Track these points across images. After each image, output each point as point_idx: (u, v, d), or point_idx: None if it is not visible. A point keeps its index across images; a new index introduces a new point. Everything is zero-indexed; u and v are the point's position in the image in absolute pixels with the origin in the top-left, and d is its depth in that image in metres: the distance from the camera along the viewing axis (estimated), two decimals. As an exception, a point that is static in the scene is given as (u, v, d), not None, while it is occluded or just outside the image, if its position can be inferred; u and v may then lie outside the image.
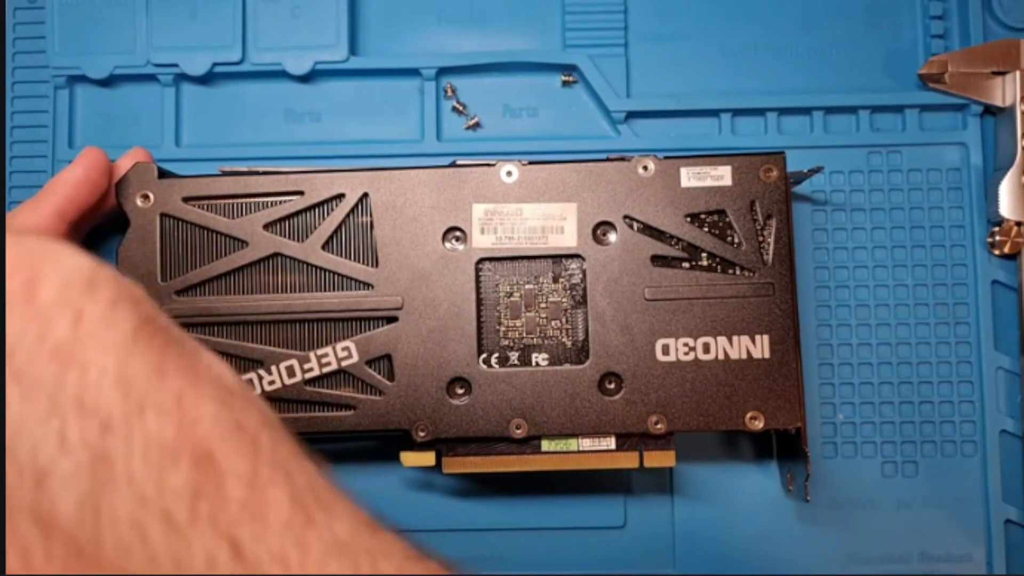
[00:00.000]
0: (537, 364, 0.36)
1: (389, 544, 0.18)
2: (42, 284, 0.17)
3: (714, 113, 0.42)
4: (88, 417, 0.16)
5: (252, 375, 0.35)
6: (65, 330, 0.17)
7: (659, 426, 0.35)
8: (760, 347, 0.35)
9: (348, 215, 0.36)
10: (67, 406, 0.16)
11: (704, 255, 0.36)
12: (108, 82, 0.42)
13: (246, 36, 0.41)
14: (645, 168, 0.36)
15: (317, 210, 0.36)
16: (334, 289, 0.36)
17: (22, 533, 0.15)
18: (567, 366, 0.35)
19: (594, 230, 0.36)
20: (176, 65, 0.41)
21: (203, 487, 0.17)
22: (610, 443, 0.35)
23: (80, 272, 0.17)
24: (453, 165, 0.36)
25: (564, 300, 0.36)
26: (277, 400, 0.35)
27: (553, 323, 0.36)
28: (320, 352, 0.35)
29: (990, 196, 0.40)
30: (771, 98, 0.41)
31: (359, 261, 0.36)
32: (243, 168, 0.38)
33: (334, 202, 0.36)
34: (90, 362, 0.17)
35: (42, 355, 0.16)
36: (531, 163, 0.36)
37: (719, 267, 0.36)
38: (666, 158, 0.36)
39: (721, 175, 0.36)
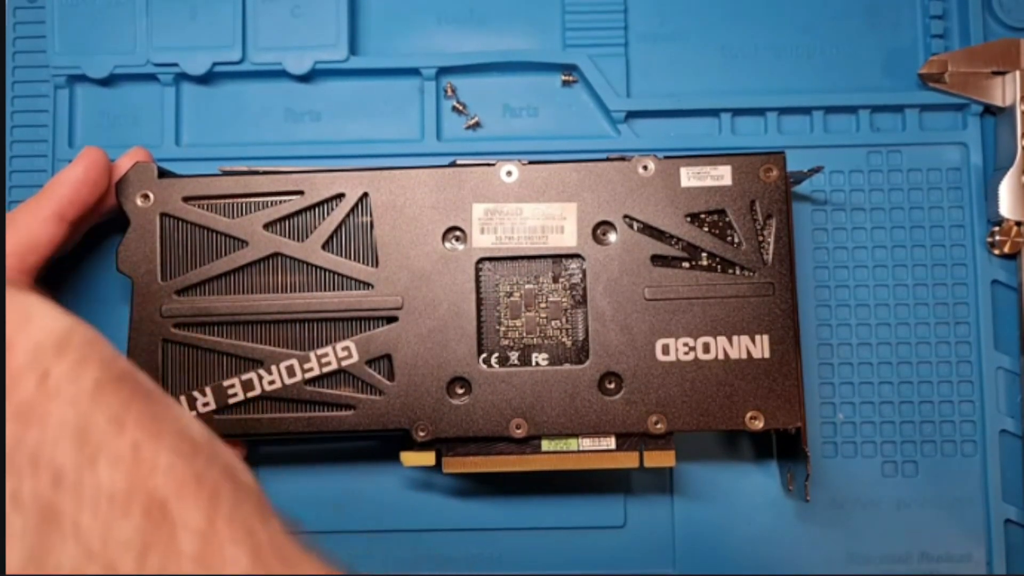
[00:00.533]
0: (537, 364, 0.36)
1: None
2: (14, 349, 0.17)
3: (714, 113, 0.42)
4: (42, 472, 0.16)
5: (252, 375, 0.35)
6: (30, 390, 0.17)
7: (659, 426, 0.35)
8: (760, 347, 0.35)
9: (348, 215, 0.36)
10: (23, 464, 0.16)
11: (704, 255, 0.36)
12: (108, 82, 0.42)
13: (246, 36, 0.41)
14: (645, 168, 0.36)
15: (317, 210, 0.36)
16: (334, 289, 0.36)
17: None
18: (567, 366, 0.35)
19: (594, 230, 0.36)
20: (176, 65, 0.41)
21: (154, 539, 0.16)
22: (610, 443, 0.35)
23: (50, 335, 0.18)
24: (453, 165, 0.36)
25: (564, 300, 0.36)
26: (277, 400, 0.35)
27: (553, 323, 0.36)
28: (320, 352, 0.35)
29: (990, 196, 0.40)
30: (771, 98, 0.41)
31: (359, 261, 0.36)
32: (243, 168, 0.38)
33: (334, 202, 0.36)
34: (50, 417, 0.17)
35: (8, 417, 0.16)
36: (531, 163, 0.36)
37: (719, 267, 0.36)
38: (666, 158, 0.36)
39: (721, 175, 0.36)
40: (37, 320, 0.18)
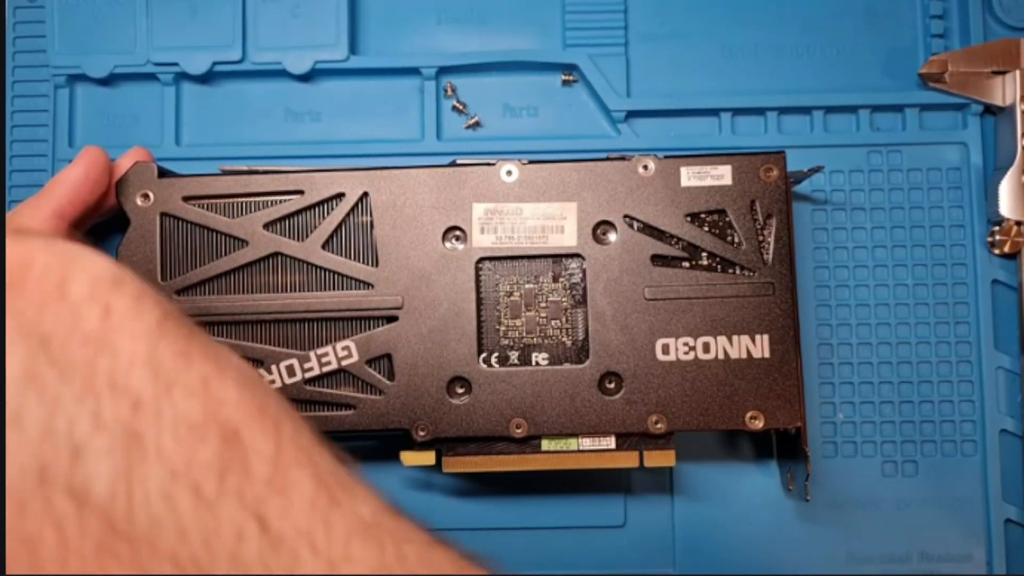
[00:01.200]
0: (537, 364, 0.36)
1: (410, 529, 0.19)
2: (72, 282, 0.18)
3: (714, 113, 0.42)
4: (120, 397, 0.17)
5: (252, 374, 0.35)
6: (95, 321, 0.17)
7: (659, 426, 0.35)
8: (760, 347, 0.35)
9: (348, 214, 0.36)
10: (101, 387, 0.17)
11: (704, 255, 0.36)
12: (108, 81, 0.42)
13: (246, 35, 0.41)
14: (645, 168, 0.36)
15: (317, 209, 0.36)
16: (334, 288, 0.36)
17: (57, 509, 0.16)
18: (567, 366, 0.35)
19: (594, 229, 0.36)
20: (176, 64, 0.41)
21: (230, 463, 0.17)
22: (610, 443, 0.35)
23: (106, 272, 0.18)
24: (453, 164, 0.36)
25: (564, 300, 0.36)
26: (277, 399, 0.35)
27: (553, 323, 0.36)
28: (320, 351, 0.35)
29: (990, 195, 0.40)
30: (771, 98, 0.41)
31: (359, 260, 0.36)
32: (243, 167, 0.38)
33: (334, 201, 0.36)
34: (120, 348, 0.17)
35: (75, 342, 0.17)
36: (531, 162, 0.36)
37: (719, 267, 0.36)
38: (666, 157, 0.36)
39: (721, 175, 0.36)
40: (89, 256, 0.18)
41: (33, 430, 0.16)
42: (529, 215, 0.36)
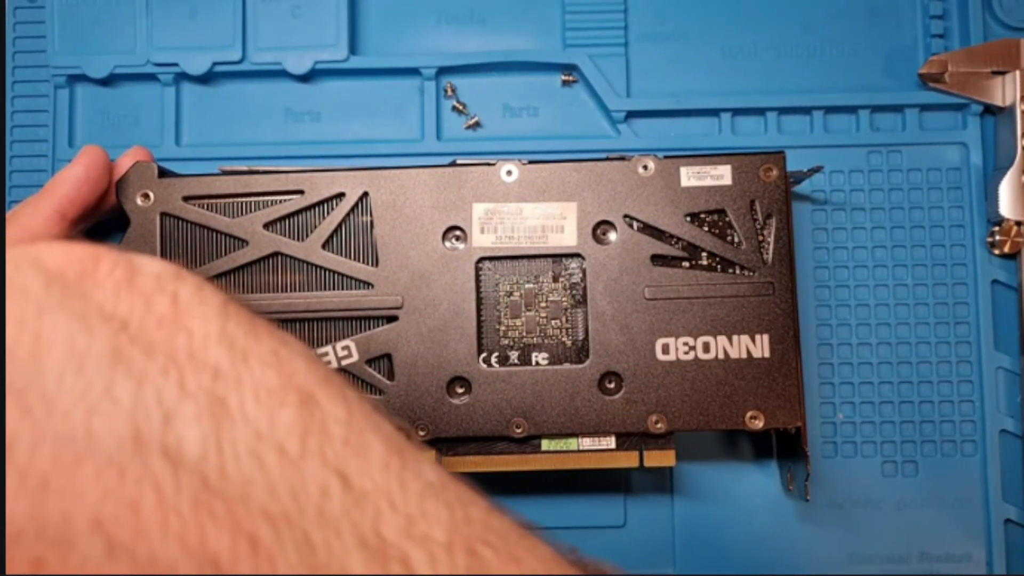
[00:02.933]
0: (537, 363, 0.36)
1: (472, 494, 0.20)
2: (138, 275, 0.19)
3: (714, 113, 0.42)
4: (201, 368, 0.18)
5: (252, 374, 0.35)
6: (166, 306, 0.19)
7: (659, 425, 0.35)
8: (760, 346, 0.35)
9: (348, 214, 0.36)
10: (182, 360, 0.18)
11: (704, 254, 0.36)
12: (108, 82, 0.42)
13: (246, 36, 0.41)
14: (645, 168, 0.36)
15: (317, 209, 0.36)
16: (334, 288, 0.36)
17: (154, 469, 0.16)
18: (567, 365, 0.35)
19: (594, 229, 0.36)
20: (176, 64, 0.41)
21: (309, 425, 0.18)
22: (610, 442, 0.35)
23: (167, 267, 0.20)
24: (453, 164, 0.36)
25: (564, 299, 0.36)
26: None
27: (553, 322, 0.36)
28: (320, 351, 0.35)
29: (990, 196, 0.40)
30: (771, 98, 0.41)
31: (359, 260, 0.36)
32: (243, 167, 0.38)
33: (334, 201, 0.36)
34: (193, 328, 0.19)
35: (151, 324, 0.18)
36: (531, 162, 0.36)
37: (719, 266, 0.36)
38: (666, 157, 0.36)
39: (721, 175, 0.36)
40: (146, 257, 0.20)
41: (125, 400, 0.17)
42: (529, 215, 0.36)
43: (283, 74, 0.42)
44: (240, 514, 0.16)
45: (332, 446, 0.18)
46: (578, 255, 0.36)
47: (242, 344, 0.19)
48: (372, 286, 0.36)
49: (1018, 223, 0.40)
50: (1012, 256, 0.40)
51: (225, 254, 0.36)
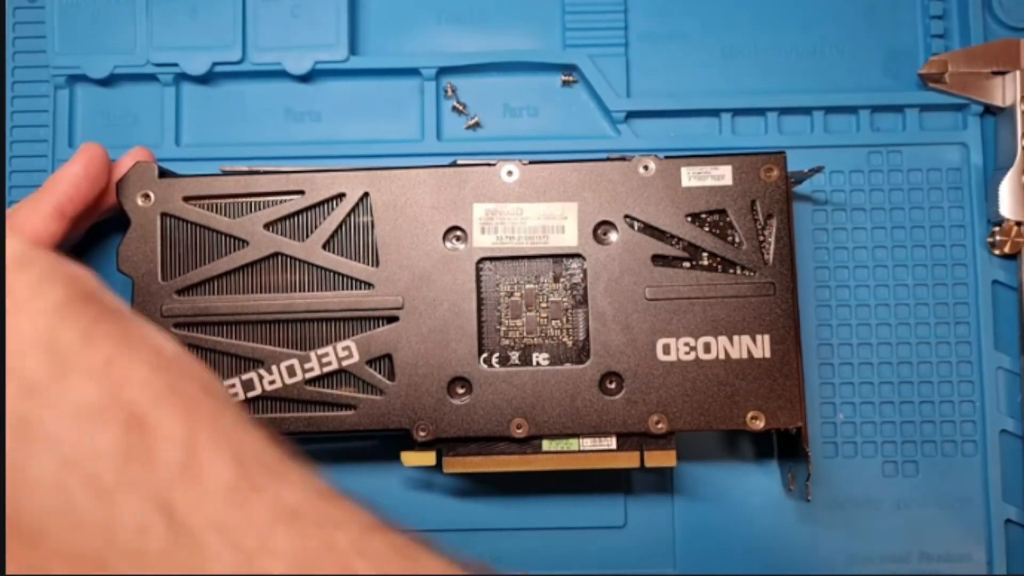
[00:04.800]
0: (538, 364, 0.36)
1: (346, 513, 0.17)
2: None
3: (714, 113, 0.42)
4: (12, 382, 0.16)
5: (252, 375, 0.35)
6: None
7: (660, 426, 0.35)
8: (761, 347, 0.35)
9: (349, 215, 0.36)
10: None
11: (705, 255, 0.36)
12: (108, 82, 0.42)
13: (246, 36, 0.41)
14: (646, 168, 0.36)
15: (318, 209, 0.36)
16: (335, 289, 0.36)
17: None
18: (568, 366, 0.35)
19: (595, 230, 0.36)
20: (176, 65, 0.41)
21: (133, 450, 0.16)
22: (611, 443, 0.35)
23: (12, 253, 0.18)
24: (453, 165, 0.36)
25: (565, 300, 0.36)
26: (278, 400, 0.35)
27: (554, 323, 0.36)
28: (321, 352, 0.35)
29: (990, 196, 0.40)
30: (771, 98, 0.41)
31: (360, 261, 0.36)
32: (244, 168, 0.38)
33: (335, 201, 0.36)
34: (16, 330, 0.17)
35: None
36: (532, 163, 0.36)
37: (720, 267, 0.36)
38: (666, 158, 0.36)
39: (721, 175, 0.36)
40: (11, 239, 0.18)
41: None
42: (530, 215, 0.36)
43: (283, 74, 0.42)
44: (39, 555, 0.15)
45: (158, 473, 0.16)
46: (579, 255, 0.36)
47: (67, 352, 0.17)
48: (372, 286, 0.36)
49: (1018, 223, 0.40)
50: (1012, 256, 0.40)
51: (225, 254, 0.36)
